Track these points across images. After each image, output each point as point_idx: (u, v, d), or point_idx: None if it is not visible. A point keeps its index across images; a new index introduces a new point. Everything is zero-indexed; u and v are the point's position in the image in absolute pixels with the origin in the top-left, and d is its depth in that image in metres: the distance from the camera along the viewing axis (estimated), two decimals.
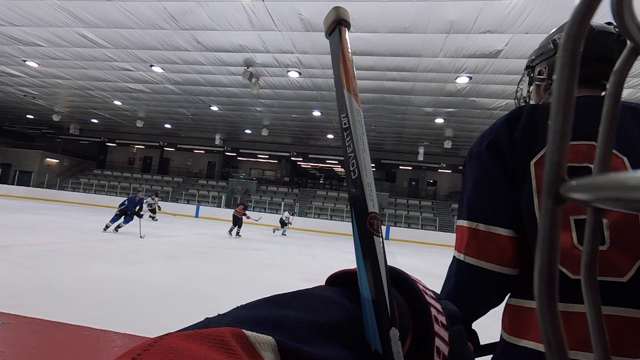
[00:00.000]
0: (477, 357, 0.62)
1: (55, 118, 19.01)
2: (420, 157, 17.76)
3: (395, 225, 18.18)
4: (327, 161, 23.17)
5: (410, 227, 18.37)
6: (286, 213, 13.44)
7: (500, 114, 9.68)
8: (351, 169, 0.26)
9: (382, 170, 23.78)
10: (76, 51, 9.62)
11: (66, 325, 2.34)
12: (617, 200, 0.11)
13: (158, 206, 13.37)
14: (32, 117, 20.74)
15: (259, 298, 0.21)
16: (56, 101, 16.23)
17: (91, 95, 14.44)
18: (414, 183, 23.97)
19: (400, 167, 23.28)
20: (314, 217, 19.04)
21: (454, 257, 0.67)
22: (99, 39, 8.67)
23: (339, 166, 24.68)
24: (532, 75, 0.80)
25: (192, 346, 0.14)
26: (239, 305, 0.20)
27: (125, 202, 8.28)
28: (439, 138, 15.38)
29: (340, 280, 0.27)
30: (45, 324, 2.34)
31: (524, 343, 0.58)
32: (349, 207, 0.26)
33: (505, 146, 0.63)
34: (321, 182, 27.11)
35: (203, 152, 24.78)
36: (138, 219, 8.22)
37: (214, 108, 14.51)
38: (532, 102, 0.82)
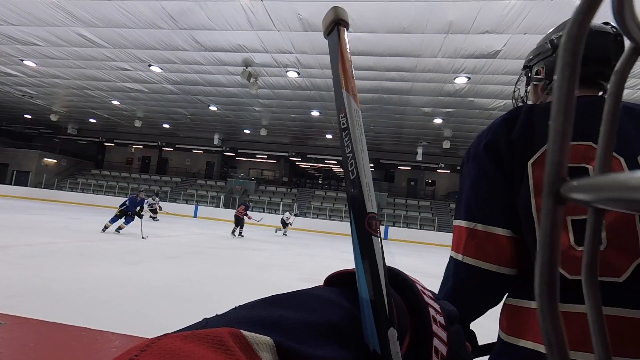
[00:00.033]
0: (475, 357, 0.62)
1: (53, 118, 18.95)
2: (419, 157, 17.79)
3: (393, 225, 18.20)
4: (326, 161, 23.18)
5: (409, 227, 18.40)
6: (287, 213, 13.48)
7: (499, 114, 9.70)
8: (349, 169, 0.26)
9: (380, 170, 23.80)
10: (74, 51, 9.59)
11: (63, 326, 2.34)
12: (618, 201, 0.11)
13: (159, 206, 13.29)
14: (29, 116, 20.66)
15: (258, 298, 0.21)
16: (54, 101, 16.17)
17: (89, 95, 14.40)
18: (412, 183, 24.01)
19: (399, 167, 23.31)
20: (312, 217, 19.04)
21: (451, 257, 0.67)
22: (97, 39, 8.64)
23: (338, 166, 24.70)
24: (529, 75, 0.80)
25: (190, 347, 0.14)
26: (237, 305, 0.20)
27: (127, 203, 8.16)
28: (437, 138, 15.41)
29: (339, 280, 0.27)
30: (42, 324, 2.34)
31: (522, 343, 0.58)
32: (347, 207, 0.26)
33: (503, 146, 0.63)
34: (320, 182, 27.11)
35: (201, 152, 24.75)
36: (139, 219, 8.11)
37: (213, 108, 14.49)
38: (529, 102, 0.82)
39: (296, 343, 0.17)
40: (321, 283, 0.28)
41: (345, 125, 0.27)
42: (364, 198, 0.25)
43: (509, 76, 8.25)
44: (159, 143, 23.48)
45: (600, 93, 0.70)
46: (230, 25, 7.33)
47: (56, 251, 5.03)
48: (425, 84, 9.53)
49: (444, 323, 0.27)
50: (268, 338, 0.16)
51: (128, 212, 8.09)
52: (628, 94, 8.52)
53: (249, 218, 10.95)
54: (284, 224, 13.18)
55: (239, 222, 10.55)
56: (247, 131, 18.63)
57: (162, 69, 10.42)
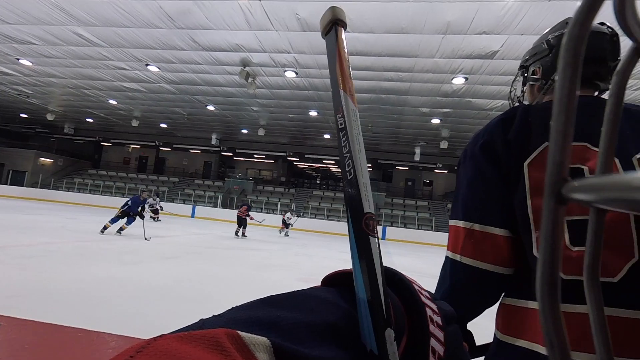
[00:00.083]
0: (472, 357, 0.63)
1: (50, 117, 18.83)
2: (417, 158, 17.83)
3: (391, 225, 18.22)
4: (324, 161, 23.18)
5: (407, 227, 18.43)
6: (288, 214, 13.52)
7: (496, 114, 9.73)
8: (347, 169, 0.26)
9: (378, 170, 23.83)
10: (71, 50, 9.54)
11: (60, 327, 2.32)
12: (620, 201, 0.11)
13: (160, 206, 13.19)
14: (25, 116, 20.52)
15: (255, 299, 0.21)
16: (50, 100, 16.07)
17: (86, 95, 14.32)
18: (410, 183, 24.06)
19: (397, 167, 23.35)
20: (310, 217, 19.03)
21: (448, 257, 0.67)
22: (94, 38, 8.60)
23: (336, 166, 24.70)
24: (526, 75, 0.80)
25: (185, 348, 0.14)
26: (235, 305, 0.20)
27: (129, 202, 7.92)
28: (435, 138, 15.45)
29: (336, 280, 0.27)
30: (39, 325, 2.32)
31: (518, 342, 0.58)
32: (345, 207, 0.26)
33: (499, 147, 0.63)
34: (318, 182, 27.10)
35: (199, 152, 24.68)
36: (141, 220, 7.92)
37: (211, 108, 14.45)
38: (526, 102, 0.82)
39: (293, 343, 0.17)
40: (319, 283, 0.28)
41: (343, 126, 0.27)
42: (362, 198, 0.25)
43: (506, 77, 8.28)
44: (157, 143, 23.39)
45: (596, 93, 0.71)
46: (228, 25, 7.32)
47: (54, 251, 5.00)
48: (423, 84, 9.55)
49: (441, 323, 0.27)
50: (265, 339, 0.16)
51: (130, 213, 7.86)
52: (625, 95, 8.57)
53: (251, 219, 10.93)
54: (286, 224, 13.21)
55: (241, 222, 10.53)
56: (245, 131, 18.60)
57: (159, 69, 10.38)
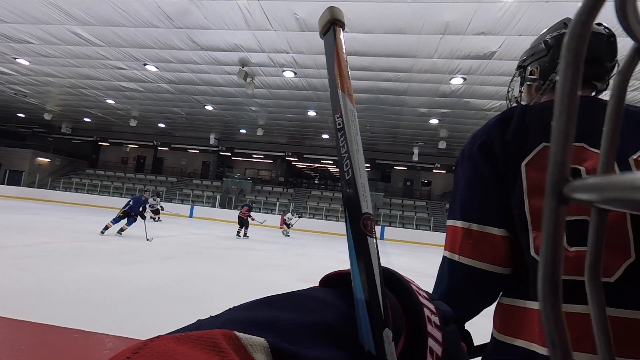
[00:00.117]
0: (470, 357, 0.63)
1: (47, 117, 18.74)
2: (415, 158, 17.86)
3: (390, 226, 18.25)
4: (322, 161, 23.18)
5: (405, 227, 18.45)
6: (289, 214, 13.55)
7: (494, 115, 9.79)
8: (345, 169, 0.26)
9: (377, 170, 23.86)
10: (68, 49, 9.50)
11: (56, 328, 2.31)
12: (622, 201, 0.11)
13: (161, 206, 13.12)
14: (23, 115, 20.42)
15: (253, 299, 0.21)
16: (48, 100, 15.99)
17: (84, 94, 14.26)
18: (408, 183, 24.09)
19: (395, 168, 23.37)
20: (308, 217, 19.03)
21: (446, 257, 0.67)
22: (92, 37, 8.56)
23: (334, 166, 24.70)
24: (523, 75, 0.80)
25: (182, 348, 0.14)
26: (233, 306, 0.20)
27: (130, 202, 7.80)
28: (433, 138, 15.48)
29: (334, 281, 0.27)
30: (34, 326, 2.31)
31: (516, 342, 0.58)
32: (343, 207, 0.26)
33: (497, 147, 0.63)
34: (316, 182, 27.10)
35: (197, 151, 24.62)
36: (142, 220, 7.83)
37: (209, 107, 14.43)
38: (523, 102, 0.82)
39: (291, 344, 0.17)
40: (317, 283, 0.28)
41: (341, 126, 0.27)
42: (359, 198, 0.25)
43: (504, 77, 8.31)
44: (155, 143, 23.33)
45: (593, 94, 0.71)
46: (226, 25, 7.30)
47: (52, 251, 4.98)
48: (421, 85, 9.57)
49: (439, 323, 0.27)
50: (262, 339, 0.16)
51: (131, 213, 7.76)
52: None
53: (252, 219, 10.95)
54: (287, 224, 13.25)
55: (243, 223, 10.54)
56: (243, 131, 18.58)
57: (157, 68, 10.36)
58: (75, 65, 10.76)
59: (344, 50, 0.29)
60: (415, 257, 10.44)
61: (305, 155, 22.21)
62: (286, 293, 0.22)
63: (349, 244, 0.24)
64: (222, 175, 24.73)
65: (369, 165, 21.92)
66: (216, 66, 9.72)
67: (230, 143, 22.28)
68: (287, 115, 14.40)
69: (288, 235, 13.02)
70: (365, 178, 0.26)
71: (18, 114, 20.24)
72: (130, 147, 26.06)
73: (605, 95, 0.81)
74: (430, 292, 0.56)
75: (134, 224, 7.87)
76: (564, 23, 0.73)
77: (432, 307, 0.28)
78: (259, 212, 18.28)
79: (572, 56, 0.14)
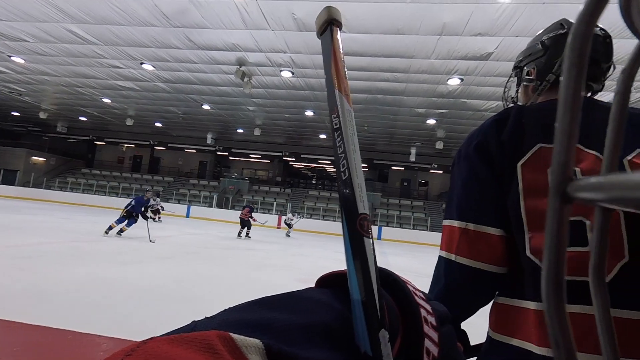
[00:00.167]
0: (467, 357, 0.63)
1: (42, 115, 18.58)
2: (412, 158, 17.91)
3: (387, 226, 18.29)
4: (320, 161, 23.19)
5: (402, 227, 18.50)
6: (289, 214, 13.56)
7: (491, 115, 9.89)
8: (342, 169, 0.26)
9: (374, 170, 23.90)
10: (64, 47, 9.43)
11: (49, 329, 2.29)
12: (627, 200, 0.11)
13: (161, 206, 12.98)
14: (17, 114, 20.24)
15: (249, 300, 0.21)
16: (43, 98, 15.87)
17: (79, 93, 14.16)
18: (406, 183, 24.16)
19: (393, 168, 23.43)
20: (306, 217, 19.03)
21: (442, 257, 0.67)
22: (88, 36, 8.50)
23: (332, 166, 24.72)
24: (520, 75, 0.81)
25: (176, 350, 0.14)
26: (230, 306, 0.20)
27: (132, 202, 7.65)
28: (430, 139, 15.54)
29: (331, 281, 0.27)
30: (28, 327, 2.29)
31: (511, 341, 0.58)
32: (339, 207, 0.26)
33: (493, 148, 0.64)
34: (313, 182, 27.11)
35: (194, 151, 24.54)
36: (145, 221, 7.70)
37: (206, 107, 14.38)
38: (520, 102, 0.83)
39: (286, 345, 0.17)
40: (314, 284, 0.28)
41: (338, 126, 0.27)
42: (356, 199, 0.25)
43: (501, 78, 8.35)
44: (151, 142, 23.21)
45: (589, 94, 0.71)
46: (224, 24, 7.28)
47: (49, 252, 4.94)
48: (418, 85, 9.60)
49: (435, 324, 0.27)
50: (257, 341, 0.16)
51: (133, 213, 7.61)
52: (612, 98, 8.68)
53: (254, 220, 10.95)
54: (288, 224, 13.26)
55: (244, 224, 10.54)
56: (240, 131, 18.54)
57: (154, 67, 10.30)
58: (71, 63, 10.69)
59: (341, 50, 0.29)
60: (413, 257, 10.46)
61: (302, 155, 22.21)
62: (282, 294, 0.22)
63: (345, 244, 0.24)
64: (219, 175, 24.66)
65: (366, 165, 21.96)
66: (213, 65, 9.69)
67: (228, 143, 22.23)
68: (284, 115, 14.39)
69: (289, 236, 13.01)
70: (362, 178, 0.26)
71: (13, 113, 20.06)
72: (127, 147, 25.91)
73: (602, 96, 0.82)
74: (427, 292, 0.56)
75: (134, 224, 7.75)
76: (561, 24, 0.74)
77: (428, 307, 0.28)
78: (256, 212, 18.25)
79: (576, 56, 0.14)
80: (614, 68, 0.70)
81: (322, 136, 17.77)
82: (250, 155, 23.55)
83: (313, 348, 0.18)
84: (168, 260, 5.34)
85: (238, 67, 9.39)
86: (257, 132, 17.06)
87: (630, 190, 0.11)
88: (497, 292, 0.66)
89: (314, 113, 13.54)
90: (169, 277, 4.21)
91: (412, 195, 23.40)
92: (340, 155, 0.26)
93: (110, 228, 7.41)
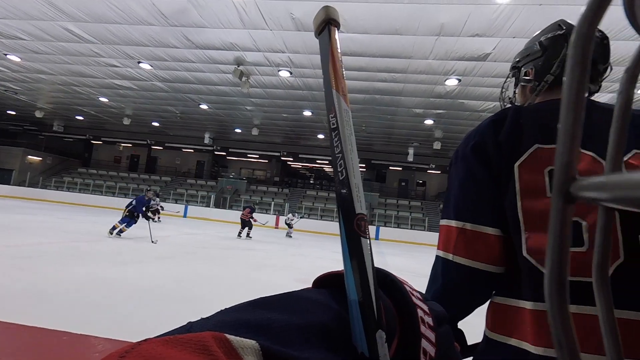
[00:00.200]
0: (464, 357, 0.63)
1: (38, 114, 18.46)
2: (410, 158, 17.95)
3: (385, 226, 18.31)
4: (318, 161, 23.18)
5: (400, 227, 18.54)
6: (290, 215, 13.54)
7: (488, 116, 9.94)
8: (339, 169, 0.26)
9: (372, 170, 23.93)
10: (61, 46, 9.37)
11: (44, 330, 2.27)
12: (631, 200, 0.11)
13: (161, 206, 12.86)
14: (13, 113, 20.09)
15: (246, 300, 0.21)
16: (39, 97, 15.76)
17: (76, 92, 14.08)
18: (403, 183, 24.21)
19: (390, 168, 23.47)
20: (303, 217, 19.02)
21: (439, 257, 0.67)
22: (85, 34, 8.46)
23: (329, 166, 24.72)
24: (517, 76, 0.81)
25: (171, 352, 0.14)
26: (227, 307, 0.20)
27: (133, 202, 7.57)
28: (428, 139, 15.57)
29: (328, 282, 0.27)
30: (22, 328, 2.27)
31: (508, 341, 0.59)
32: (337, 207, 0.26)
33: (490, 148, 0.64)
34: (311, 182, 27.09)
35: (192, 151, 24.46)
36: (147, 221, 7.63)
37: (204, 106, 14.34)
38: (517, 103, 0.83)
39: (283, 346, 0.17)
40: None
41: (335, 126, 0.27)
42: (353, 199, 0.25)
43: (498, 79, 8.39)
44: (148, 141, 23.12)
45: (586, 95, 0.72)
46: (222, 24, 7.27)
47: (49, 252, 4.91)
48: (416, 86, 9.62)
49: (432, 324, 0.27)
50: (253, 342, 0.16)
51: (134, 213, 7.52)
52: (610, 99, 8.75)
53: (255, 221, 10.94)
54: (288, 224, 13.24)
55: (245, 224, 10.55)
56: (238, 130, 18.49)
57: (151, 66, 10.26)
58: (67, 62, 10.62)
59: (339, 50, 0.29)
60: (410, 257, 10.49)
61: (300, 155, 22.19)
62: (278, 294, 0.22)
63: (342, 244, 0.24)
64: (217, 174, 24.60)
65: (364, 165, 21.99)
66: (211, 65, 9.67)
67: (225, 142, 22.17)
68: (282, 114, 14.38)
69: (291, 236, 12.99)
70: (359, 178, 0.26)
71: (8, 112, 19.91)
72: (124, 146, 25.79)
73: (599, 97, 0.82)
74: (424, 292, 0.56)
75: (134, 225, 7.66)
76: (559, 25, 0.74)
77: (425, 308, 0.28)
78: (255, 212, 18.21)
79: (579, 55, 0.14)
80: (611, 69, 0.70)
81: (320, 136, 17.77)
82: (248, 155, 23.51)
83: (310, 349, 0.18)
84: (168, 260, 5.32)
85: (236, 66, 9.36)
86: (255, 131, 17.03)
87: (633, 189, 0.11)
88: (494, 292, 0.66)
89: (312, 113, 13.53)
90: (169, 277, 4.19)
91: (410, 196, 23.45)
92: (337, 155, 0.26)
93: (114, 228, 7.36)
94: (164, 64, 9.95)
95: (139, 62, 10.02)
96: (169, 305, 3.16)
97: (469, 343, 0.64)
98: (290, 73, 9.61)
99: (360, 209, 0.25)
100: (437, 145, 15.21)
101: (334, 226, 17.08)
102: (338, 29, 0.30)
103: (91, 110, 17.37)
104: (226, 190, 21.30)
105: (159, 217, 12.79)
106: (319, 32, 0.30)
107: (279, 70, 9.52)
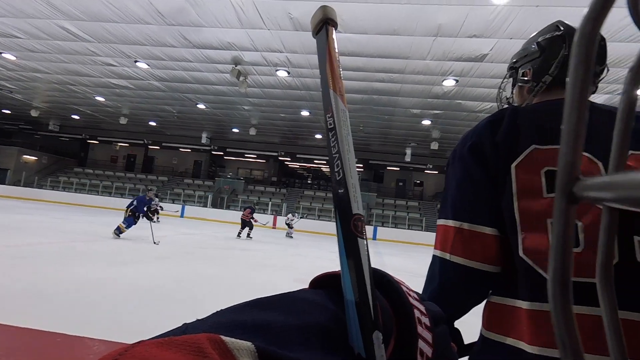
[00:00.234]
0: (461, 356, 0.63)
1: (34, 113, 18.31)
2: (408, 158, 17.99)
3: (382, 226, 18.34)
4: (315, 161, 23.18)
5: (398, 227, 18.58)
6: (290, 215, 13.52)
7: (486, 116, 9.98)
8: (336, 169, 0.26)
9: (369, 170, 23.96)
10: (57, 44, 9.30)
11: (39, 332, 2.25)
12: (635, 200, 0.11)
13: (160, 207, 12.79)
14: (8, 112, 19.92)
15: (246, 300, 0.21)
16: (35, 96, 15.64)
17: (72, 91, 13.98)
18: (401, 184, 24.26)
19: (388, 168, 23.51)
20: (303, 217, 19.01)
21: (436, 256, 0.67)
22: (81, 33, 8.40)
23: (327, 166, 24.69)
24: (515, 77, 0.81)
25: (165, 354, 0.13)
26: (223, 308, 0.20)
27: (134, 202, 7.50)
28: (425, 139, 15.61)
29: (324, 282, 0.27)
30: (16, 330, 2.25)
31: (505, 340, 0.59)
32: (334, 208, 0.26)
33: (487, 149, 0.64)
34: (309, 182, 27.08)
35: (189, 150, 24.37)
36: (148, 222, 7.58)
37: (201, 106, 14.29)
38: (515, 104, 0.83)
39: (279, 347, 0.17)
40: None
41: (332, 126, 0.27)
42: (350, 199, 0.25)
43: (495, 80, 8.43)
44: (145, 141, 23.00)
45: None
46: (220, 23, 7.24)
47: (48, 252, 4.89)
48: (414, 86, 9.64)
49: (429, 324, 0.27)
50: (249, 343, 0.16)
51: (136, 213, 7.45)
52: (607, 99, 8.82)
53: (255, 221, 10.93)
54: (288, 224, 13.21)
55: (245, 224, 10.55)
56: (236, 130, 18.45)
57: (148, 65, 10.21)
58: (63, 60, 10.54)
59: (336, 50, 0.29)
60: (408, 257, 10.51)
61: (298, 155, 22.17)
62: (275, 295, 0.22)
63: (339, 245, 0.24)
64: (214, 174, 24.52)
65: (361, 165, 22.01)
66: (209, 64, 9.63)
67: (223, 142, 22.11)
68: (280, 114, 14.36)
69: (291, 237, 12.96)
70: (356, 178, 0.26)
71: (3, 110, 19.74)
72: (120, 146, 25.64)
73: (596, 98, 0.82)
74: (421, 292, 0.56)
75: (133, 226, 7.57)
76: (557, 26, 0.74)
77: (422, 308, 0.28)
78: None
79: (583, 54, 0.14)
80: (608, 70, 0.70)
81: (318, 136, 17.76)
82: (246, 155, 23.46)
83: (306, 350, 0.18)
84: (167, 260, 5.30)
85: (234, 66, 9.34)
86: (252, 131, 17.00)
87: (638, 189, 0.11)
88: (490, 292, 0.66)
89: (310, 113, 13.52)
90: (169, 277, 4.17)
91: (407, 196, 23.51)
92: (334, 156, 0.26)
93: (118, 229, 7.27)
94: (161, 63, 9.90)
95: (135, 61, 9.97)
96: (169, 305, 3.14)
97: (465, 342, 0.64)
98: (288, 73, 9.60)
99: (357, 209, 0.25)
100: (434, 146, 15.25)
101: (331, 226, 17.07)
102: (335, 29, 0.30)
103: (87, 110, 17.26)
104: (223, 190, 21.24)
105: (157, 218, 12.74)
106: (316, 32, 0.30)
107: (276, 70, 9.50)
